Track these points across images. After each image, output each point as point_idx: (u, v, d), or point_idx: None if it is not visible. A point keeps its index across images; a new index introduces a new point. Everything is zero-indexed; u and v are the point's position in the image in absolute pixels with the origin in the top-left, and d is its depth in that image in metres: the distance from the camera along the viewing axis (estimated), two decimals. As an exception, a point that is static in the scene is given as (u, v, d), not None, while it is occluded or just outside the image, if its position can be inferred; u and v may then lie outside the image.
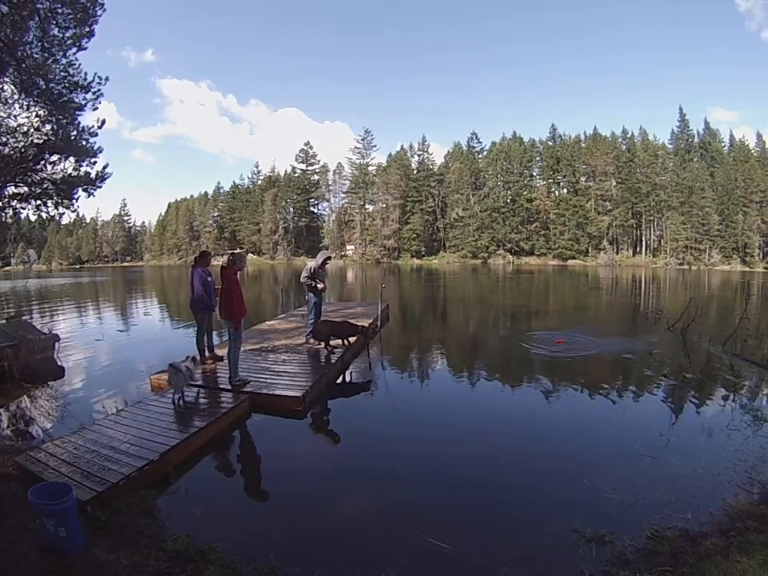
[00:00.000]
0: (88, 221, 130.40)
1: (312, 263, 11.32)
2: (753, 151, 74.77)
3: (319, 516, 4.78)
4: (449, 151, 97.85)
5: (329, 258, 11.64)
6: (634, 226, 79.74)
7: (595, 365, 10.58)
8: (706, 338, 12.63)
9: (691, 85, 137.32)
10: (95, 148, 10.62)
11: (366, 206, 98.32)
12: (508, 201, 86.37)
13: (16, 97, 9.44)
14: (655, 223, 78.19)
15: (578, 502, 4.97)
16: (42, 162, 10.11)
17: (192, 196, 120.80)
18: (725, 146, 78.88)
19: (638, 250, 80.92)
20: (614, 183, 79.47)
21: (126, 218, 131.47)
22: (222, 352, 9.74)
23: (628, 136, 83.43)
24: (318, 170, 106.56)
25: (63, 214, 11.14)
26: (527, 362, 10.88)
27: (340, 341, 10.73)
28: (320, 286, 11.08)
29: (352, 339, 10.85)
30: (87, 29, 9.64)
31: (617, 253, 79.85)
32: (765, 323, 15.07)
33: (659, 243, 77.97)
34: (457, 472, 5.83)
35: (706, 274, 55.64)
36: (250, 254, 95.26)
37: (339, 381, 9.70)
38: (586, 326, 15.95)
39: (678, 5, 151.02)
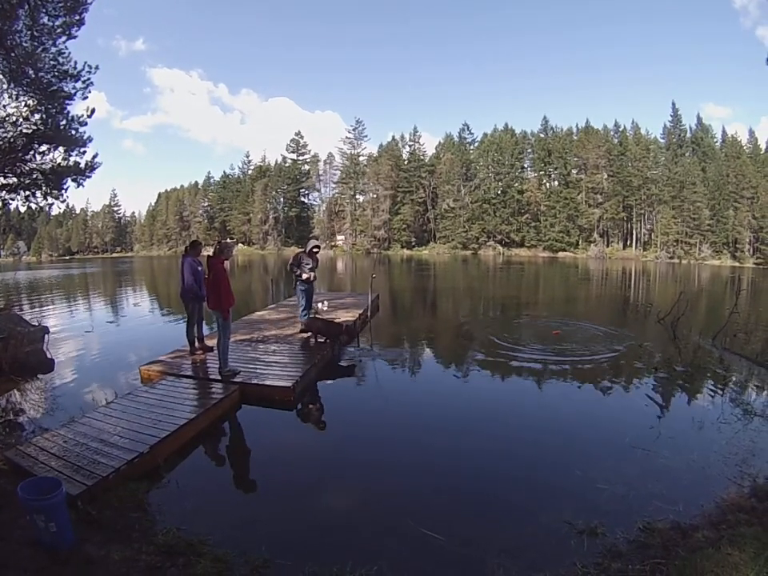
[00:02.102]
0: (78, 211, 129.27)
1: (300, 251, 11.31)
2: (745, 147, 74.89)
3: (311, 507, 4.79)
4: (440, 142, 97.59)
5: (317, 246, 11.56)
6: (625, 219, 79.79)
7: (586, 357, 10.58)
8: (696, 331, 12.72)
9: (684, 80, 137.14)
10: (84, 137, 10.55)
11: (357, 197, 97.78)
12: (499, 192, 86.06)
13: (5, 86, 9.37)
14: (646, 217, 78.33)
15: (570, 494, 5.00)
16: (31, 152, 10.04)
17: (182, 186, 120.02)
18: (717, 142, 78.91)
19: (628, 243, 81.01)
20: (606, 176, 79.45)
21: (115, 209, 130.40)
22: (211, 342, 9.71)
23: (620, 129, 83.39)
24: (308, 160, 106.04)
25: (52, 204, 11.09)
26: (518, 353, 10.87)
27: (325, 338, 10.72)
28: (304, 275, 11.02)
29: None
30: (77, 17, 9.55)
31: (607, 246, 79.97)
32: (754, 318, 15.18)
33: (650, 237, 78.07)
34: (447, 462, 5.85)
35: (696, 268, 55.94)
36: (240, 244, 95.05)
37: (330, 371, 9.69)
38: (576, 317, 16.01)
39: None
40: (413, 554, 4.05)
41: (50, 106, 9.81)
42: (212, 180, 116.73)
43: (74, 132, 10.25)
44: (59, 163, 10.36)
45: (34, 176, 10.21)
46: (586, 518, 4.38)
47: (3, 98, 9.44)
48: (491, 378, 9.47)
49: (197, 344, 9.85)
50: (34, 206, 11.05)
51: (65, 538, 3.74)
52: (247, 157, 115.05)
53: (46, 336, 11.47)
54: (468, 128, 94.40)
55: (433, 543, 4.11)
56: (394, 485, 5.30)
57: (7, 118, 9.56)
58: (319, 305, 11.31)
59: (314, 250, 11.39)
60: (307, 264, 11.09)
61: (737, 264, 63.56)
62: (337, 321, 11.45)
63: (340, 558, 3.85)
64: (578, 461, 5.71)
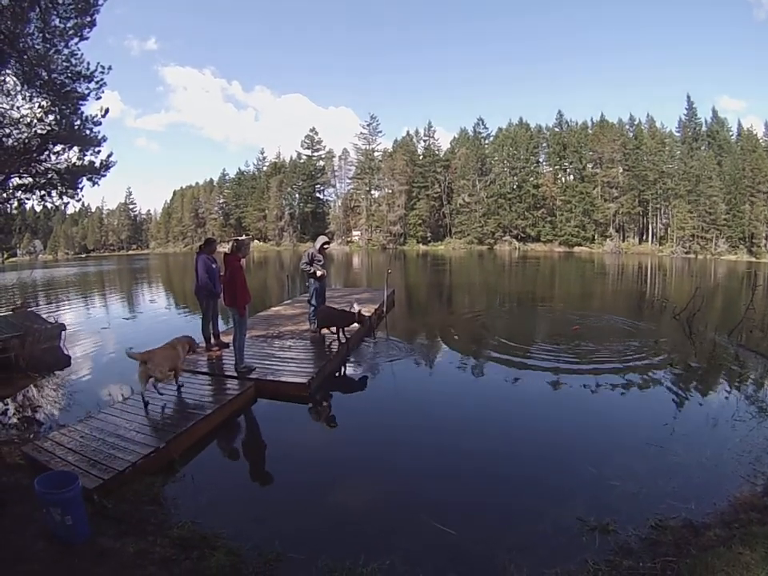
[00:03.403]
0: (93, 210, 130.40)
1: (311, 249, 11.29)
2: (761, 141, 73.73)
3: (324, 502, 4.83)
4: (455, 137, 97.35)
5: (327, 242, 11.51)
6: (641, 213, 79.12)
7: (600, 352, 10.55)
8: (712, 327, 12.60)
9: (699, 73, 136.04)
10: (99, 137, 10.58)
11: (372, 192, 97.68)
12: (514, 187, 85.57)
13: (18, 88, 9.40)
14: (662, 211, 77.57)
15: (583, 491, 4.99)
16: (46, 153, 10.08)
17: (197, 183, 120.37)
18: (732, 135, 77.82)
19: (644, 237, 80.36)
20: (621, 170, 78.71)
21: (131, 207, 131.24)
22: (227, 339, 9.76)
23: (635, 123, 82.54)
24: (323, 156, 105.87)
25: (68, 203, 11.12)
26: (535, 350, 10.85)
27: (336, 328, 10.74)
28: (319, 273, 11.01)
29: (354, 326, 10.76)
30: (89, 18, 9.58)
31: (623, 240, 79.27)
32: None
33: (666, 231, 77.28)
34: (461, 459, 5.86)
35: (713, 263, 55.24)
36: (255, 241, 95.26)
37: (345, 367, 9.76)
38: (593, 312, 15.97)
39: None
40: (425, 549, 4.08)
41: (63, 107, 9.85)
42: (227, 177, 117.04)
43: (88, 132, 10.29)
44: (74, 163, 10.40)
45: (50, 176, 10.27)
46: (597, 515, 4.37)
47: (17, 100, 9.51)
48: (506, 375, 9.38)
49: (213, 340, 9.94)
50: (49, 206, 11.08)
51: (80, 531, 3.80)
52: (262, 153, 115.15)
53: (63, 333, 11.62)
54: (482, 122, 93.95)
55: (445, 538, 4.13)
56: (406, 481, 5.32)
57: (21, 120, 9.62)
58: (355, 305, 11.20)
59: (325, 246, 11.38)
60: (319, 261, 11.08)
61: (753, 259, 62.54)
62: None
63: (353, 553, 3.88)
64: (590, 458, 5.71)
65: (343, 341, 10.31)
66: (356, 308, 10.87)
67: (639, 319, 15.09)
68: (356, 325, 10.60)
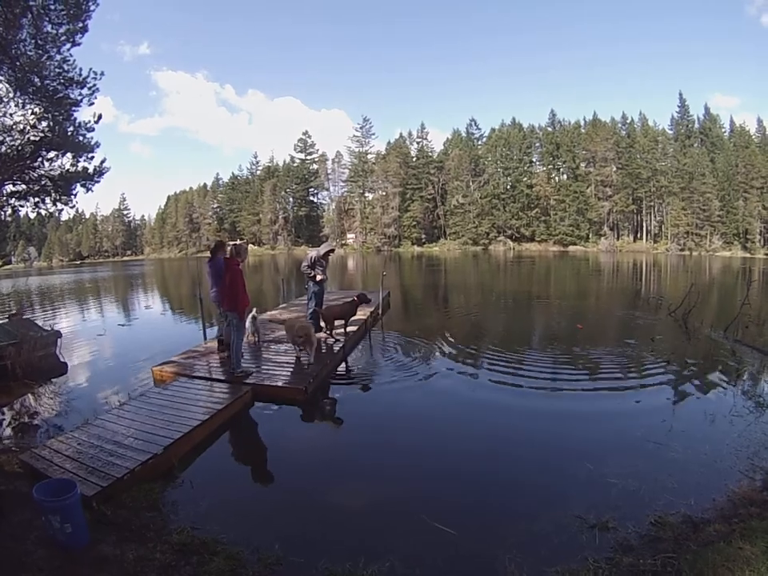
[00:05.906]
0: (87, 216, 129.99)
1: (313, 252, 11.33)
2: (753, 137, 74.13)
3: (324, 506, 4.81)
4: (448, 138, 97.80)
5: (332, 250, 11.68)
6: (635, 211, 79.50)
7: (597, 350, 10.57)
8: (708, 323, 12.62)
9: (691, 70, 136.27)
10: (92, 143, 10.60)
11: (366, 195, 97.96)
12: (508, 187, 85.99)
13: (11, 95, 9.41)
14: (656, 209, 77.95)
15: (581, 488, 4.99)
16: (40, 159, 10.08)
17: (191, 188, 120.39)
18: (725, 132, 78.36)
19: (638, 235, 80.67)
20: (614, 169, 79.05)
21: (125, 212, 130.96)
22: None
23: (628, 122, 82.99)
24: (316, 159, 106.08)
25: (62, 210, 11.15)
26: (529, 350, 10.86)
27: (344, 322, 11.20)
28: (319, 276, 11.07)
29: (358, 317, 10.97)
30: (80, 24, 9.59)
31: (617, 239, 79.63)
32: (766, 309, 15.03)
33: (660, 229, 77.67)
34: (460, 460, 5.85)
35: (707, 259, 55.39)
36: (250, 245, 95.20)
37: (342, 370, 9.71)
38: (589, 311, 15.99)
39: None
40: (425, 550, 4.06)
41: (56, 113, 9.85)
42: (221, 181, 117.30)
43: (81, 138, 10.29)
44: (68, 169, 10.39)
45: (43, 182, 10.26)
46: (597, 512, 4.38)
47: (10, 107, 9.51)
48: (503, 376, 9.29)
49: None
50: (43, 212, 11.11)
51: (80, 538, 3.79)
52: (255, 157, 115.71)
53: (59, 340, 11.58)
54: (475, 123, 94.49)
55: (445, 538, 4.12)
56: (405, 483, 5.31)
57: (14, 126, 9.62)
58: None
59: (330, 253, 11.52)
60: (321, 266, 11.16)
61: (747, 255, 62.95)
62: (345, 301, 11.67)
63: (352, 555, 3.88)
64: (589, 455, 5.70)
65: (354, 328, 10.43)
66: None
67: (635, 317, 15.12)
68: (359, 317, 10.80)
